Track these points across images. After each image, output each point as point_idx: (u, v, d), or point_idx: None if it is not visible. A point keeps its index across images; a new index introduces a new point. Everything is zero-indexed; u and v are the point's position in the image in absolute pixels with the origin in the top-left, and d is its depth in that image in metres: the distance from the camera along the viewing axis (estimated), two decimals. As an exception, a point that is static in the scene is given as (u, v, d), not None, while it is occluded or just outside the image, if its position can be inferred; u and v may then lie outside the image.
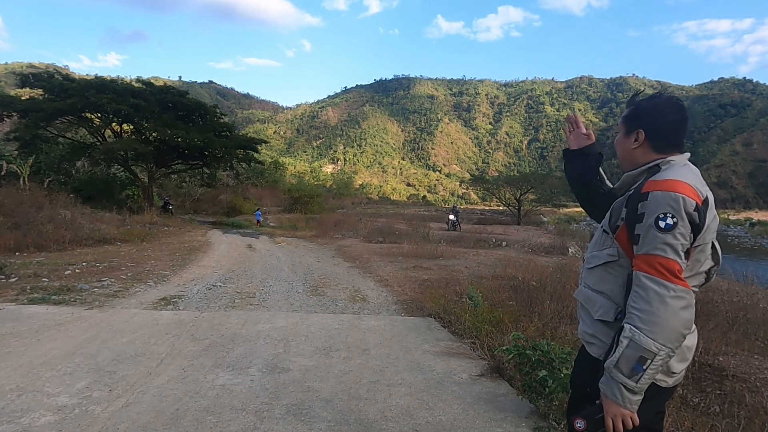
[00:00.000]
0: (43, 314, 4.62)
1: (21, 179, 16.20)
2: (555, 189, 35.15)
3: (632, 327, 1.22)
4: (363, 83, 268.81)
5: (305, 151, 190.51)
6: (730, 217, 60.89)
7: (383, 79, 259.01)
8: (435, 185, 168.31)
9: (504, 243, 15.73)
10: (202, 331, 4.28)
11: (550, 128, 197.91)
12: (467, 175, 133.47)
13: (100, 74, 55.47)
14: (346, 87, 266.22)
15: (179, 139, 20.90)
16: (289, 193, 36.50)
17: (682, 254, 1.22)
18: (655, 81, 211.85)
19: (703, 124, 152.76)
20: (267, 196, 37.13)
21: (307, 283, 7.32)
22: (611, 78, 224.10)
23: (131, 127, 21.99)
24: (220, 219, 25.58)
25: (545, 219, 35.05)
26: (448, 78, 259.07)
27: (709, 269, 1.36)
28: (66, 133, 21.72)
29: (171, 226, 17.06)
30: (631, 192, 1.37)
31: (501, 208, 38.65)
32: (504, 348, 3.09)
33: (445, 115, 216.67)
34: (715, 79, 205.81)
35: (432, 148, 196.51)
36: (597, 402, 1.32)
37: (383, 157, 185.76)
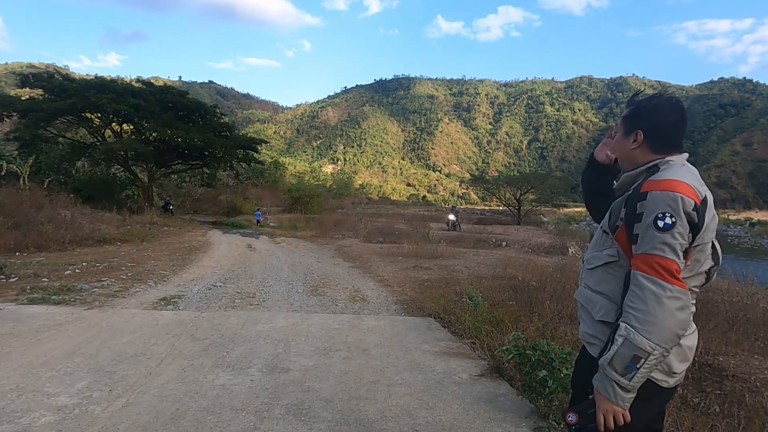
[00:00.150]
0: (43, 314, 4.62)
1: (21, 179, 16.21)
2: (555, 189, 35.19)
3: (628, 326, 1.23)
4: (363, 83, 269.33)
5: (305, 151, 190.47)
6: (730, 217, 60.86)
7: (383, 79, 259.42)
8: (435, 185, 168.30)
9: (504, 243, 15.72)
10: (202, 331, 4.28)
11: (550, 128, 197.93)
12: (467, 175, 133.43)
13: (100, 74, 55.52)
14: (346, 87, 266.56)
15: (179, 139, 20.91)
16: (289, 193, 36.51)
17: (681, 254, 1.23)
18: (655, 81, 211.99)
19: (703, 124, 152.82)
20: (267, 196, 37.15)
21: (307, 283, 7.32)
22: (611, 78, 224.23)
23: (131, 127, 22.00)
24: (220, 219, 25.60)
25: (545, 219, 35.03)
26: (448, 78, 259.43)
27: (709, 269, 1.36)
28: (66, 133, 21.74)
29: (171, 226, 17.06)
30: (630, 192, 1.37)
31: (501, 208, 38.65)
32: (504, 348, 3.09)
33: (445, 115, 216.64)
34: (715, 79, 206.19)
35: (432, 148, 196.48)
36: (590, 397, 1.33)
37: (383, 157, 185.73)
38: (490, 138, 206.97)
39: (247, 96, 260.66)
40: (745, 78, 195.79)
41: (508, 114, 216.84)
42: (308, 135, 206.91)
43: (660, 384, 1.32)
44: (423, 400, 2.91)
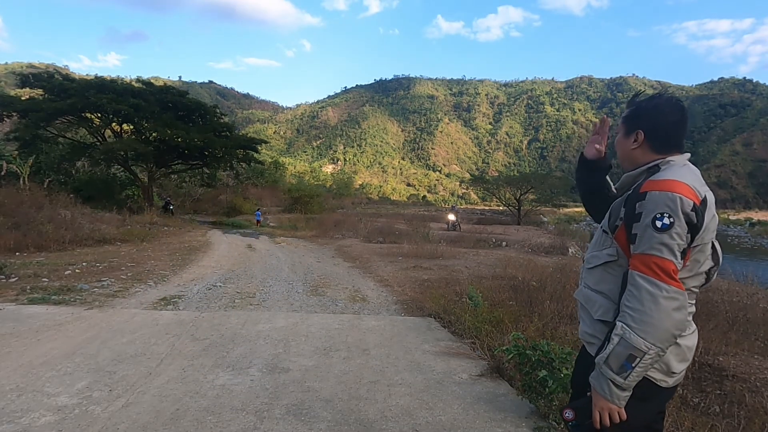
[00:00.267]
0: (43, 314, 4.62)
1: (21, 179, 16.21)
2: (555, 189, 35.23)
3: (624, 325, 1.24)
4: (363, 83, 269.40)
5: (305, 151, 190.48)
6: (730, 217, 60.85)
7: (383, 79, 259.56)
8: (435, 185, 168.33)
9: (504, 243, 15.72)
10: (202, 331, 4.28)
11: (550, 128, 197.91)
12: (467, 175, 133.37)
13: (100, 74, 55.45)
14: (346, 87, 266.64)
15: (179, 139, 20.91)
16: (289, 193, 36.51)
17: (678, 254, 1.23)
18: (655, 81, 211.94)
19: (703, 124, 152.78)
20: (267, 196, 37.15)
21: (307, 283, 7.32)
22: (611, 78, 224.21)
23: (131, 127, 22.00)
24: (220, 219, 25.60)
25: (545, 219, 35.03)
26: (448, 78, 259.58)
27: (709, 269, 1.36)
28: (66, 133, 21.73)
29: (171, 226, 17.07)
30: (630, 192, 1.37)
31: (501, 208, 38.65)
32: (504, 348, 3.09)
33: (445, 115, 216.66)
34: (715, 79, 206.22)
35: (432, 148, 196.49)
36: (588, 394, 1.35)
37: (383, 157, 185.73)
38: (490, 138, 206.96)
39: (247, 96, 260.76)
40: (745, 78, 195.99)
41: (508, 114, 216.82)
42: (308, 135, 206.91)
43: (659, 384, 1.33)
44: (423, 400, 2.91)
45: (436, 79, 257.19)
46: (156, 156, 21.74)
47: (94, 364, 3.34)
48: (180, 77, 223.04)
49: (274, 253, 11.55)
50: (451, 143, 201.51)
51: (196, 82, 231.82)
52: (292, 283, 7.33)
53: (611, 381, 1.25)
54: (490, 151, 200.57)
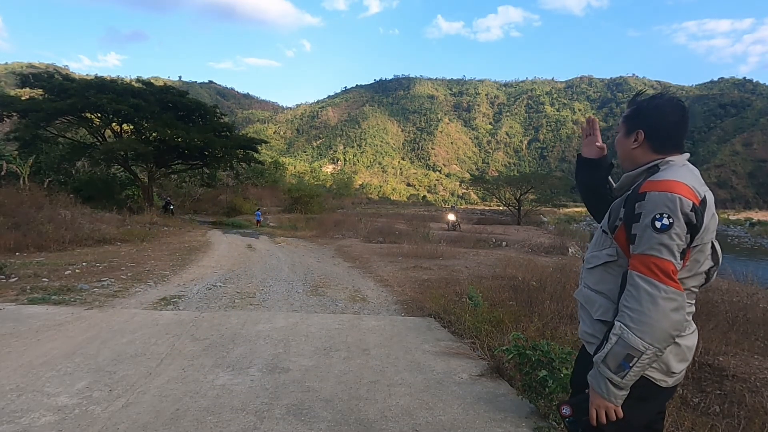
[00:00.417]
0: (43, 314, 4.62)
1: (21, 179, 16.22)
2: (555, 189, 35.25)
3: (622, 325, 1.25)
4: (363, 83, 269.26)
5: (305, 151, 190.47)
6: (730, 217, 60.82)
7: (383, 79, 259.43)
8: (435, 185, 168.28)
9: (504, 243, 15.72)
10: (202, 331, 4.28)
11: (550, 128, 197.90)
12: (467, 175, 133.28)
13: (100, 74, 55.48)
14: (346, 87, 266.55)
15: (179, 139, 20.91)
16: (289, 193, 36.52)
17: (678, 255, 1.23)
18: (656, 81, 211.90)
19: (703, 124, 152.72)
20: (267, 196, 37.16)
21: (307, 283, 7.32)
22: (611, 78, 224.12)
23: (131, 127, 22.01)
24: (220, 219, 25.61)
25: (545, 219, 35.04)
26: (448, 78, 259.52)
27: (708, 269, 1.36)
28: (66, 133, 21.74)
29: (171, 226, 17.07)
30: (629, 192, 1.37)
31: (501, 208, 38.67)
32: (504, 348, 3.08)
33: (445, 115, 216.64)
34: (715, 79, 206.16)
35: (432, 148, 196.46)
36: (586, 391, 1.36)
37: (383, 157, 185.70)
38: (490, 138, 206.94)
39: (247, 96, 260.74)
40: (745, 78, 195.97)
41: (508, 114, 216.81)
42: (308, 135, 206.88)
43: (659, 384, 1.33)
44: (423, 400, 2.91)
45: (436, 79, 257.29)
46: (156, 156, 21.75)
47: (94, 364, 3.34)
48: (180, 77, 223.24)
49: (274, 253, 11.55)
50: (451, 143, 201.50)
51: (196, 82, 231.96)
52: (292, 283, 7.33)
53: (609, 380, 1.26)
54: (490, 151, 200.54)
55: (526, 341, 3.02)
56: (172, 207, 23.26)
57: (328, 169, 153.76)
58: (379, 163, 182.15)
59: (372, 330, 4.53)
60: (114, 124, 21.83)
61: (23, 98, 21.19)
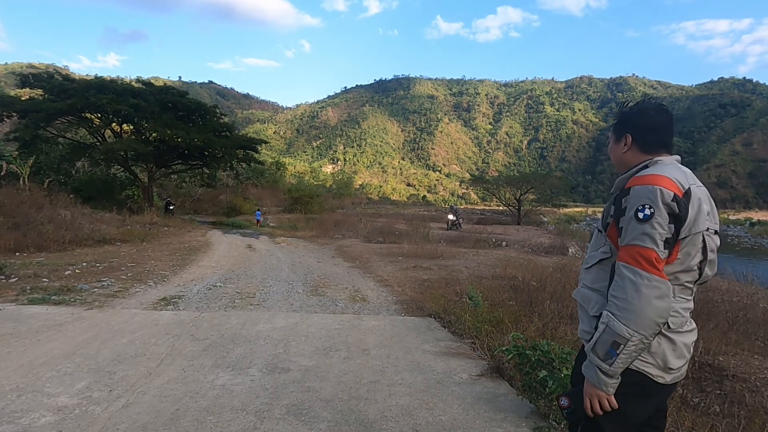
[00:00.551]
0: (43, 314, 4.62)
1: (21, 179, 16.20)
2: (555, 189, 35.22)
3: (609, 313, 1.29)
4: (363, 83, 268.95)
5: (305, 152, 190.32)
6: (730, 217, 60.75)
7: (383, 79, 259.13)
8: (435, 185, 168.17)
9: (504, 243, 15.72)
10: (202, 331, 4.28)
11: (550, 128, 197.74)
12: (467, 175, 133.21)
13: (99, 74, 55.26)
14: (345, 87, 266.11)
15: (179, 140, 20.90)
16: (289, 193, 36.49)
17: (661, 243, 1.27)
18: (655, 81, 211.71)
19: (703, 124, 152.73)
20: (267, 196, 37.17)
21: (307, 283, 7.32)
22: (611, 78, 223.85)
23: (131, 127, 22.00)
24: (220, 219, 25.61)
25: (545, 219, 35.05)
26: (447, 78, 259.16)
27: (699, 263, 1.37)
28: (66, 134, 21.73)
29: (171, 227, 17.07)
30: (618, 192, 1.44)
31: (501, 208, 38.67)
32: (504, 348, 3.09)
33: (445, 115, 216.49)
34: (715, 79, 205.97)
35: (432, 148, 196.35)
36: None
37: (383, 157, 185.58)
38: (490, 138, 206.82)
39: (246, 96, 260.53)
40: (744, 78, 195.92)
41: (508, 114, 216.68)
42: (308, 135, 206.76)
43: (656, 380, 1.35)
44: (423, 400, 2.91)
45: (436, 79, 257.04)
46: (156, 156, 21.74)
47: (94, 364, 3.34)
48: (180, 77, 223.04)
49: (274, 253, 11.55)
50: (451, 143, 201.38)
51: (195, 82, 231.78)
52: (292, 283, 7.33)
53: (598, 368, 1.30)
54: (490, 151, 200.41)
55: (526, 341, 3.03)
56: (172, 207, 23.27)
57: (328, 169, 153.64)
58: (379, 163, 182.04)
59: (372, 330, 4.53)
60: (114, 124, 21.82)
61: (23, 98, 21.18)
